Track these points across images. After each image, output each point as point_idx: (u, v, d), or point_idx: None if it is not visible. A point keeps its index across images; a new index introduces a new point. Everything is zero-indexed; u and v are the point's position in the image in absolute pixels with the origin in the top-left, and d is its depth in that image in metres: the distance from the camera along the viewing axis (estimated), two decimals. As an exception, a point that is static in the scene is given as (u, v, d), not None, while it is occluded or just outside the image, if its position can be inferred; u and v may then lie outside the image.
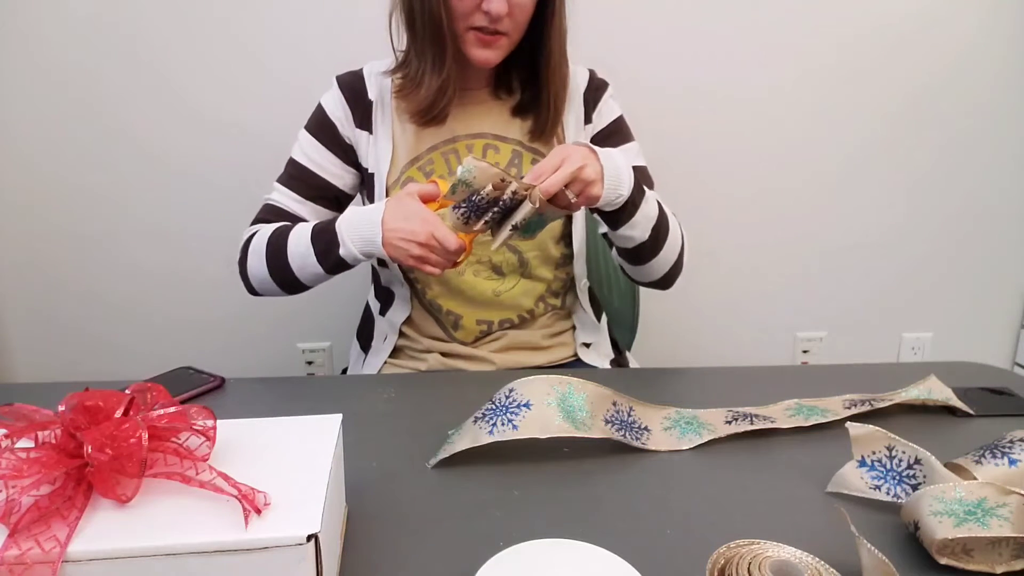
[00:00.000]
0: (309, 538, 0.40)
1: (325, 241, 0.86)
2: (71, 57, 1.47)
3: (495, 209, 0.76)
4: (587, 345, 1.03)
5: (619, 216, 0.84)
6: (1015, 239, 1.84)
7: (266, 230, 0.93)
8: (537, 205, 0.74)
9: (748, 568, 0.44)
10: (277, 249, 0.90)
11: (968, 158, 1.75)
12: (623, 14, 1.55)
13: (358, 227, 0.84)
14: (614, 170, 0.80)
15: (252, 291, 0.97)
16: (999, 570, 0.49)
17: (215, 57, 1.50)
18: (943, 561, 0.50)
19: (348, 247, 0.84)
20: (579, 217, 1.00)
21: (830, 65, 1.64)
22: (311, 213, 0.98)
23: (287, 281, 0.92)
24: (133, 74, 1.49)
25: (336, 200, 1.00)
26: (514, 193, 0.74)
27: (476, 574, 0.45)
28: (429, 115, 0.93)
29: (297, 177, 0.98)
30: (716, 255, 1.74)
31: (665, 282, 0.95)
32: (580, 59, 1.01)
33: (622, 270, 0.98)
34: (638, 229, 0.85)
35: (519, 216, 0.75)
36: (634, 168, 0.97)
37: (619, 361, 1.07)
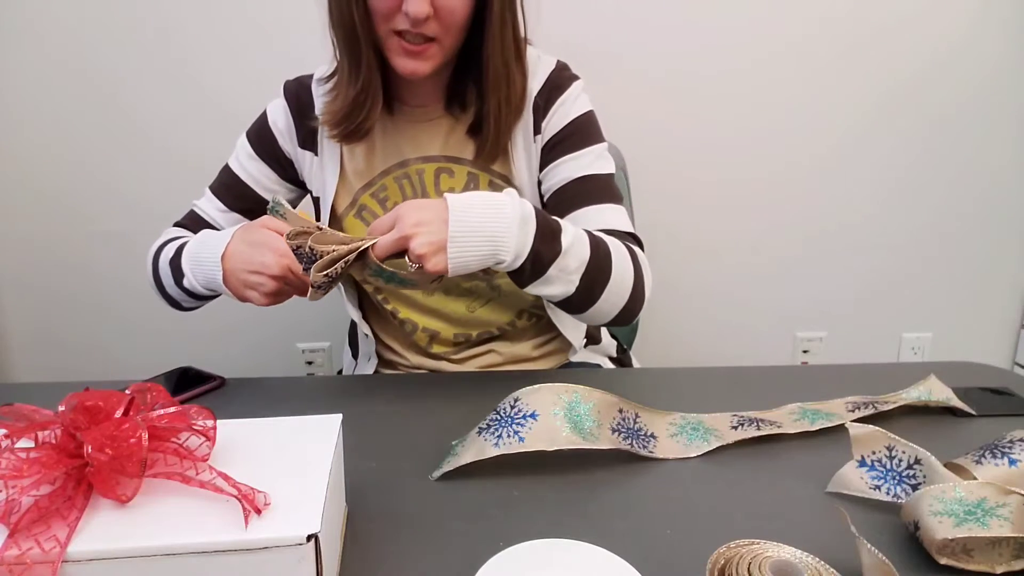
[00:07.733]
0: (309, 538, 0.40)
1: (175, 267, 0.82)
2: (81, 54, 1.47)
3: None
4: (587, 347, 1.01)
5: (520, 277, 0.72)
6: (1015, 239, 1.84)
7: (168, 241, 0.88)
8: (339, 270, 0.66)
9: (748, 568, 0.44)
10: (156, 264, 0.87)
11: (968, 158, 1.75)
12: (606, 6, 1.54)
13: (201, 262, 0.78)
14: (475, 235, 0.66)
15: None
16: (999, 570, 0.49)
17: (229, 52, 1.50)
18: (943, 561, 0.50)
19: (191, 280, 0.80)
20: None
21: (828, 64, 1.64)
22: (234, 224, 0.88)
23: (169, 300, 0.89)
24: (144, 70, 1.49)
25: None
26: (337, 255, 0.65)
27: (476, 574, 0.45)
28: (345, 128, 0.84)
29: (228, 185, 0.94)
30: (716, 255, 1.73)
31: (616, 323, 0.81)
32: (556, 49, 0.91)
33: None
34: (557, 286, 0.73)
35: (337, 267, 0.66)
36: (590, 177, 0.85)
37: (622, 360, 1.06)
